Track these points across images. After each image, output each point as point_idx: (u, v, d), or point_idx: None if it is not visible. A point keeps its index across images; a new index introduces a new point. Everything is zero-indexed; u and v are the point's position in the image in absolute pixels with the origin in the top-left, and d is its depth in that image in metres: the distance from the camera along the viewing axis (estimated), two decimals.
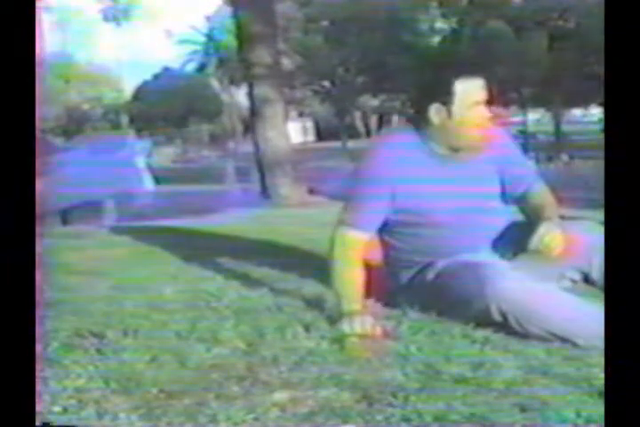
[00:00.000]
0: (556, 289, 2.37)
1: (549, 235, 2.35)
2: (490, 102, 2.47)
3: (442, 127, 2.47)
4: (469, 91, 2.43)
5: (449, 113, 2.44)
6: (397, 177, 2.47)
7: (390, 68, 29.43)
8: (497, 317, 2.24)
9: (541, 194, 2.63)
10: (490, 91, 2.46)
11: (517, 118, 33.20)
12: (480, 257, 2.47)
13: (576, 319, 2.20)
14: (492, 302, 2.23)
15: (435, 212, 2.51)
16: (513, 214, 2.68)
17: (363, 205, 2.51)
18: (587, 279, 2.51)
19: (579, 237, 2.41)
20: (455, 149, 2.52)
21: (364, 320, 2.27)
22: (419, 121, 2.53)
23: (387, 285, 2.62)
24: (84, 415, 1.66)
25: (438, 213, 2.51)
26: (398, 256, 2.62)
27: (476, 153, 2.53)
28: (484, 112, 2.45)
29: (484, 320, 2.25)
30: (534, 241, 2.35)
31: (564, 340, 2.18)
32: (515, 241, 2.48)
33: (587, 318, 2.17)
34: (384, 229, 2.57)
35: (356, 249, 2.48)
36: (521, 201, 2.63)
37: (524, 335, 2.21)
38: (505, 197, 2.63)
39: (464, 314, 2.30)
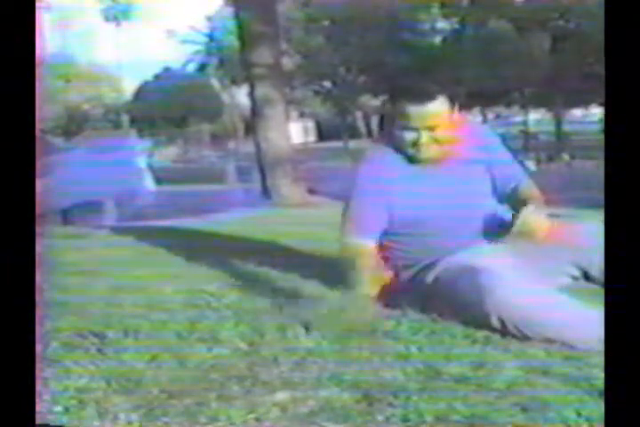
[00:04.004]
0: (556, 293, 2.36)
1: (531, 217, 2.36)
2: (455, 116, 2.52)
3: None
4: (422, 116, 2.46)
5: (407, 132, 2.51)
6: (387, 179, 2.54)
7: (391, 68, 29.42)
8: (496, 323, 2.23)
9: (527, 189, 2.64)
10: (453, 108, 2.51)
11: (518, 118, 33.20)
12: (478, 256, 2.47)
13: (576, 326, 2.18)
14: (491, 310, 2.22)
15: (425, 213, 2.54)
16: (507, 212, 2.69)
17: (362, 213, 2.58)
18: (586, 276, 2.51)
19: (578, 235, 2.44)
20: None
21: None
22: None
23: (387, 284, 2.63)
24: (85, 415, 1.67)
25: (428, 214, 2.54)
26: (397, 255, 2.64)
27: (450, 157, 2.56)
28: (442, 133, 2.48)
29: (482, 325, 2.26)
30: (517, 224, 2.36)
31: (563, 344, 2.17)
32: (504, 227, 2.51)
33: (586, 323, 2.14)
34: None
35: (367, 256, 2.54)
36: (509, 198, 2.64)
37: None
38: (497, 196, 2.65)
39: (463, 319, 2.30)
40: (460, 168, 2.58)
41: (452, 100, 2.50)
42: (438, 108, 2.46)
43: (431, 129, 2.47)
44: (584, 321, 2.17)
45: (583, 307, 2.26)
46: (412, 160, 2.57)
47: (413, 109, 2.46)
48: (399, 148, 2.56)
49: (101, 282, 3.12)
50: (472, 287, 2.29)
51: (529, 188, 2.66)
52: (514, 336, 2.21)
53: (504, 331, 2.23)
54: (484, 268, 2.37)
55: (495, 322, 2.23)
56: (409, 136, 2.50)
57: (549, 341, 2.17)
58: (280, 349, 2.10)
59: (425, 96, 2.46)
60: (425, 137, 2.48)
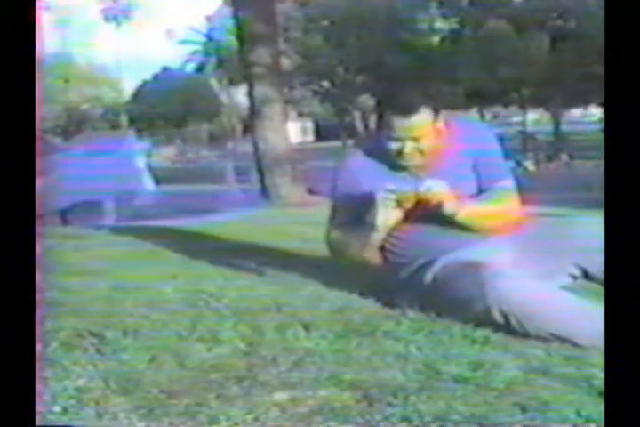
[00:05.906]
0: (558, 289, 2.38)
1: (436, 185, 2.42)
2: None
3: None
4: (406, 127, 2.48)
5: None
6: (375, 176, 2.56)
7: (390, 67, 29.41)
8: (498, 318, 2.24)
9: (500, 195, 2.63)
10: (438, 117, 2.53)
11: (516, 118, 33.20)
12: (477, 255, 2.46)
13: (578, 321, 2.20)
14: (493, 304, 2.23)
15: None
16: None
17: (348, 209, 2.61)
18: (586, 275, 2.52)
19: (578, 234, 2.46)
20: None
21: None
22: None
23: (386, 283, 2.63)
24: (84, 416, 1.67)
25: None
26: (394, 251, 2.63)
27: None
28: (426, 143, 2.51)
29: (484, 320, 2.26)
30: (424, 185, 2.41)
31: (565, 340, 2.18)
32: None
33: (588, 318, 2.16)
34: None
35: None
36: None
37: (524, 335, 2.21)
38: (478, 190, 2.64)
39: (464, 314, 2.30)
40: (443, 175, 2.57)
41: (436, 111, 2.53)
42: (422, 119, 2.49)
43: (415, 140, 2.50)
44: (587, 316, 2.18)
45: (586, 302, 2.27)
46: (395, 167, 2.58)
47: (397, 121, 2.49)
48: (385, 155, 2.58)
49: (101, 282, 3.12)
50: (474, 282, 2.29)
51: (501, 193, 2.64)
52: (514, 333, 2.22)
53: (506, 326, 2.23)
54: (485, 263, 2.37)
55: (497, 316, 2.24)
56: (393, 146, 2.52)
57: (551, 336, 2.18)
58: (279, 349, 2.10)
59: (408, 108, 2.48)
60: (408, 147, 2.51)
